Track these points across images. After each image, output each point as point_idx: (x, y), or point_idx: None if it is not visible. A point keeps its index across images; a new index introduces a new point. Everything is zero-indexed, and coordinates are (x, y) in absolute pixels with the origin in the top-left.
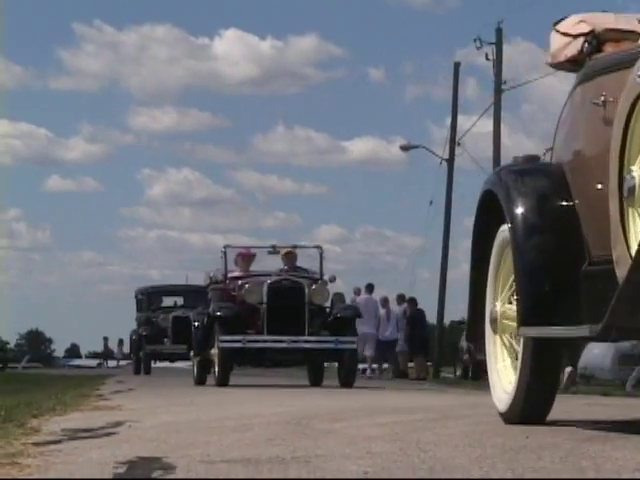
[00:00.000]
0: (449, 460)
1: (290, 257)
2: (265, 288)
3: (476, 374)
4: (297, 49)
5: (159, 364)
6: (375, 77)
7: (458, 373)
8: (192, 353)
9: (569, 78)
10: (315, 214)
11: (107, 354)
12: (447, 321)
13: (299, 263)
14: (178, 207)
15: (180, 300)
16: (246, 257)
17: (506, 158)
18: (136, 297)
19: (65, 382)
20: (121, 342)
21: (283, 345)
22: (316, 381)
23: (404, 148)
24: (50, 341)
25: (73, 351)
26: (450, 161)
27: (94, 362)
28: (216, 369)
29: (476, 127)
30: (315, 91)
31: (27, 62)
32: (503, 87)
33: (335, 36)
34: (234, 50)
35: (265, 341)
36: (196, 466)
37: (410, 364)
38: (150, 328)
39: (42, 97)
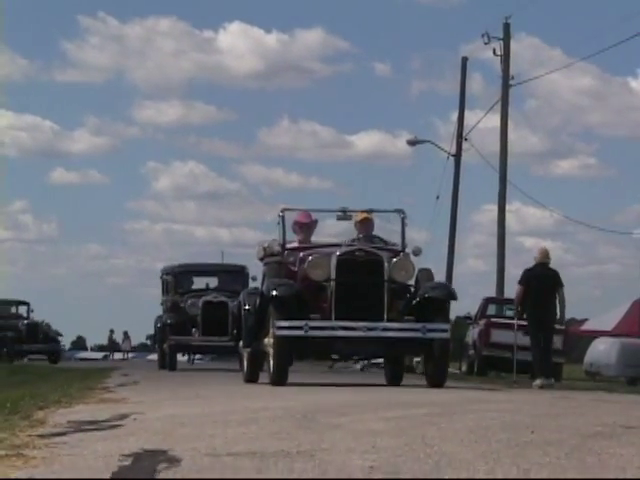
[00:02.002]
0: (454, 455)
1: (366, 224)
2: (334, 261)
3: (482, 369)
4: (303, 43)
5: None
6: (381, 71)
7: (464, 368)
8: (241, 344)
9: (574, 74)
10: (322, 206)
11: (112, 346)
12: (452, 316)
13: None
14: (184, 200)
15: (214, 282)
16: (305, 225)
17: (512, 154)
18: (162, 277)
19: (71, 375)
20: (126, 334)
21: (357, 334)
22: (395, 379)
23: (411, 143)
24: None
25: (79, 343)
26: (457, 156)
27: (100, 355)
28: (271, 363)
29: (482, 122)
30: (321, 85)
31: (32, 55)
32: (510, 82)
33: (341, 30)
34: (239, 43)
35: (333, 328)
36: (202, 459)
37: (417, 358)
38: (176, 315)
39: (47, 89)
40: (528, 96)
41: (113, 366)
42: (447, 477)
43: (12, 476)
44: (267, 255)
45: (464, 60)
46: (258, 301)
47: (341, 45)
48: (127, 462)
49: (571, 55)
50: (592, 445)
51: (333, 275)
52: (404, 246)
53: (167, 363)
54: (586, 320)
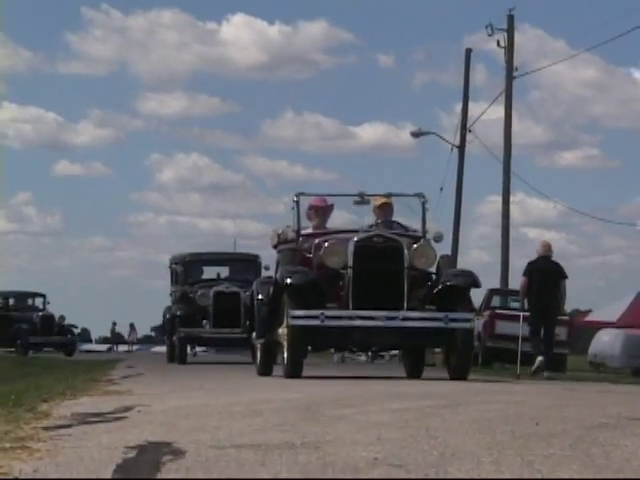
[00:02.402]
0: (459, 447)
1: (385, 209)
2: (351, 248)
3: (486, 361)
4: (306, 34)
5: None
6: (384, 63)
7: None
8: (254, 335)
9: (578, 66)
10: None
11: (116, 339)
12: None
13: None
14: (187, 192)
15: (225, 271)
16: (321, 209)
17: (516, 145)
18: (170, 267)
19: (75, 367)
20: (132, 326)
21: (375, 323)
22: (415, 371)
23: (415, 134)
24: None
25: (83, 336)
26: (461, 148)
27: (104, 347)
28: (284, 355)
29: (486, 114)
30: (325, 77)
31: (36, 47)
32: (514, 74)
33: (344, 22)
34: (242, 35)
35: (351, 318)
36: (206, 451)
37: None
38: (186, 306)
39: (51, 82)
40: (532, 87)
41: (117, 358)
42: (451, 469)
43: (17, 468)
44: (281, 242)
45: (468, 52)
46: (272, 290)
47: (344, 37)
48: (131, 454)
49: (574, 46)
50: (596, 436)
51: (350, 262)
52: (424, 232)
53: (176, 356)
54: (590, 311)
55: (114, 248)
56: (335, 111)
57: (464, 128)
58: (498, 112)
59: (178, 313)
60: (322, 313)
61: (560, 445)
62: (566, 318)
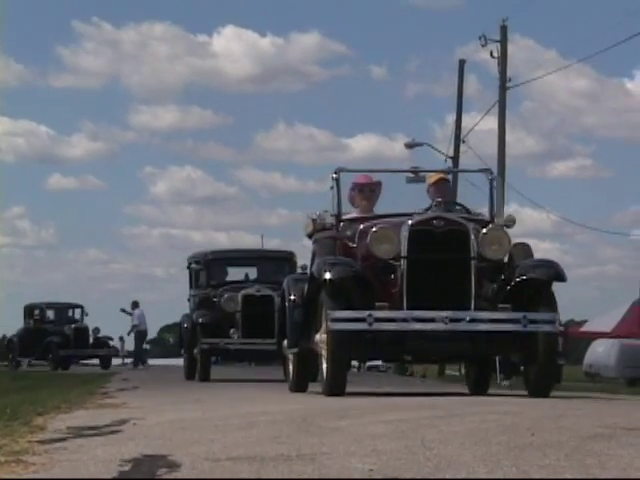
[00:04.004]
0: (454, 458)
1: (443, 187)
2: (405, 233)
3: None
4: (299, 46)
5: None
6: (377, 74)
7: (463, 371)
8: (285, 344)
9: (570, 76)
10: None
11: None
12: None
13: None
14: (181, 205)
15: (253, 272)
16: (367, 187)
17: (509, 155)
18: (189, 267)
19: (70, 380)
20: (122, 339)
21: (436, 327)
22: (479, 386)
23: (409, 146)
24: None
25: None
26: (455, 158)
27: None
28: (323, 366)
29: (479, 124)
30: (317, 88)
31: (28, 60)
32: (508, 85)
33: (337, 33)
34: (234, 47)
35: (406, 320)
36: (201, 464)
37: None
38: (210, 313)
39: (43, 95)
40: (524, 98)
41: (113, 372)
42: (447, 478)
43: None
44: (317, 230)
45: (461, 63)
46: (307, 288)
47: (337, 48)
48: (127, 467)
49: (566, 57)
50: (592, 447)
51: (404, 251)
52: (493, 215)
53: (198, 371)
54: (585, 321)
55: (108, 261)
56: (328, 123)
57: (457, 139)
58: (491, 123)
59: (200, 321)
60: (370, 314)
61: (556, 455)
62: (561, 329)
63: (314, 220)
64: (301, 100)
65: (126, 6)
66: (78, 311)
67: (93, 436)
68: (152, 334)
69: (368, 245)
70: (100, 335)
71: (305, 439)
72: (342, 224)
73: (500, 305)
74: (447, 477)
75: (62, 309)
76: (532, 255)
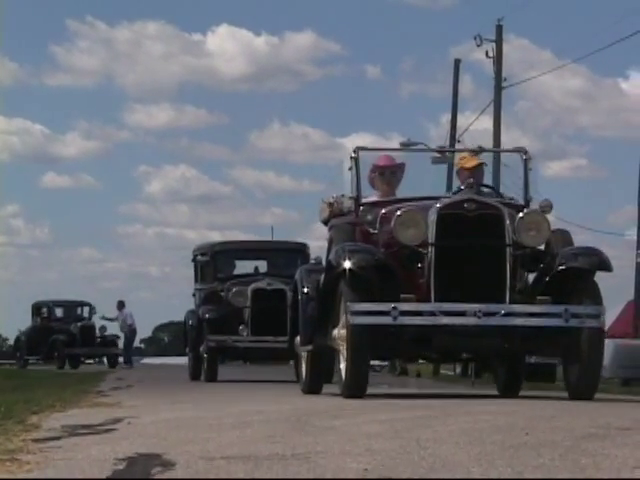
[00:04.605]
0: (449, 457)
1: (474, 168)
2: (433, 217)
3: (476, 371)
4: (293, 45)
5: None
6: (372, 74)
7: (458, 370)
8: (297, 341)
9: (565, 76)
10: (313, 211)
11: None
12: None
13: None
14: (176, 204)
15: (263, 266)
16: (388, 169)
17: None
18: (194, 260)
19: (65, 379)
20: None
21: (468, 321)
22: (511, 388)
23: (404, 145)
24: None
25: None
26: (450, 158)
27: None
28: (341, 365)
29: (473, 124)
30: (312, 88)
31: (21, 59)
32: (503, 84)
33: (332, 32)
34: (228, 46)
35: (433, 313)
36: (196, 463)
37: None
38: (217, 308)
39: (37, 93)
40: (519, 98)
41: (109, 370)
42: (442, 478)
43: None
44: (335, 215)
45: (457, 62)
46: (323, 278)
47: (332, 47)
48: (121, 466)
49: (561, 57)
50: (586, 446)
51: (432, 237)
52: (528, 199)
53: (204, 371)
54: None
55: (103, 260)
56: (322, 122)
57: (453, 139)
58: (486, 122)
59: (207, 316)
60: (394, 307)
61: (550, 455)
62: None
63: (331, 204)
64: (296, 99)
65: (120, 5)
66: (87, 309)
67: (88, 435)
68: (146, 333)
69: (392, 230)
70: (107, 333)
71: (300, 438)
72: (362, 208)
73: (539, 297)
74: (442, 476)
75: (70, 307)
76: (572, 243)
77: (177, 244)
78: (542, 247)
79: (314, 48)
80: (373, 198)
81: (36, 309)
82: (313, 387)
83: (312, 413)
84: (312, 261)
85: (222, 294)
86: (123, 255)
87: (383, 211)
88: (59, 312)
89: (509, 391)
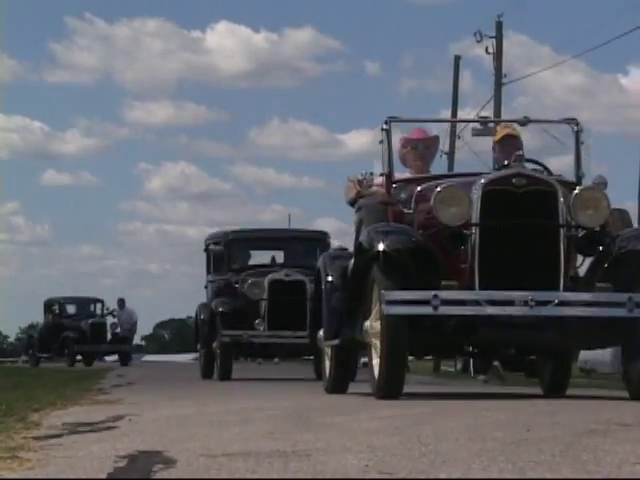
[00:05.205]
0: (450, 453)
1: (513, 142)
2: (477, 193)
3: (477, 368)
4: (293, 42)
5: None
6: (371, 70)
7: (459, 367)
8: (320, 335)
9: (564, 72)
10: (313, 207)
11: None
12: None
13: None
14: (176, 201)
15: (280, 256)
16: (421, 143)
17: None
18: (207, 249)
19: (65, 376)
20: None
21: (517, 311)
22: (556, 387)
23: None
24: None
25: None
26: (450, 154)
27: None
28: (373, 361)
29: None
30: (311, 84)
31: (21, 56)
32: (503, 81)
33: (331, 29)
34: (228, 43)
35: (478, 303)
36: (197, 460)
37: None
38: (231, 301)
39: (37, 91)
40: (519, 94)
41: (109, 367)
42: (442, 476)
43: (8, 478)
44: (363, 195)
45: (457, 59)
46: (352, 264)
47: (331, 44)
48: (122, 463)
49: (560, 53)
50: (587, 442)
51: (476, 216)
52: (580, 176)
53: (218, 369)
54: None
55: (103, 257)
56: (322, 119)
57: (453, 134)
58: None
59: (220, 310)
60: (435, 295)
61: (551, 451)
62: None
63: (360, 182)
64: (295, 96)
65: (119, 2)
66: (100, 306)
67: (88, 432)
68: (147, 330)
69: (429, 210)
70: (118, 330)
71: (300, 435)
72: (395, 186)
73: (597, 284)
74: (442, 473)
75: (83, 304)
76: (631, 224)
77: (177, 241)
78: (598, 228)
79: (313, 44)
80: (407, 175)
81: (48, 306)
82: (338, 386)
83: (313, 410)
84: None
85: (237, 286)
86: (123, 252)
87: (418, 189)
88: (71, 309)
89: (555, 390)
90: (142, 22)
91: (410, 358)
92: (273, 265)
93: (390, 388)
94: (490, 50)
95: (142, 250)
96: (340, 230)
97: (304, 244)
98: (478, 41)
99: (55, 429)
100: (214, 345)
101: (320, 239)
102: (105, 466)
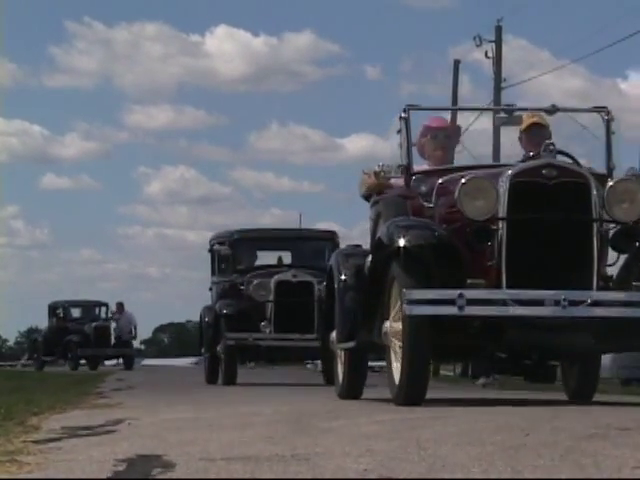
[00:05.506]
0: (449, 458)
1: (540, 131)
2: (504, 185)
3: (476, 372)
4: (292, 46)
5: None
6: (371, 74)
7: (458, 371)
8: (333, 337)
9: (564, 77)
10: (312, 212)
11: None
12: None
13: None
14: (175, 205)
15: (287, 256)
16: (441, 132)
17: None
18: (211, 250)
19: (65, 380)
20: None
21: (547, 312)
22: (583, 392)
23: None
24: None
25: None
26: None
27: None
28: (393, 365)
29: (473, 124)
30: (311, 88)
31: (20, 60)
32: (502, 85)
33: (331, 33)
34: (227, 47)
35: (505, 303)
36: (196, 464)
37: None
38: (236, 302)
39: (36, 95)
40: (518, 98)
41: (109, 371)
42: (441, 478)
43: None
44: (379, 188)
45: (456, 63)
46: (369, 261)
47: (331, 48)
48: (121, 467)
49: (559, 57)
50: (587, 447)
51: (503, 210)
52: (611, 167)
53: (222, 374)
54: None
55: (102, 261)
56: (322, 123)
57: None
58: (485, 123)
59: (224, 312)
60: (460, 294)
61: (550, 455)
62: None
63: (376, 174)
64: (295, 100)
65: (118, 6)
66: (104, 310)
67: (88, 436)
68: (147, 334)
69: (452, 203)
70: (115, 334)
71: (299, 439)
72: (414, 178)
73: (634, 283)
74: (441, 477)
75: (87, 307)
76: None
77: (177, 245)
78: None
79: (313, 48)
80: (424, 167)
81: (52, 309)
82: (352, 391)
83: (312, 414)
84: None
85: (242, 287)
86: (123, 256)
87: (440, 181)
88: (76, 312)
89: (581, 396)
90: (141, 26)
91: None
92: (280, 266)
93: (412, 394)
94: (490, 54)
95: (141, 254)
96: (340, 234)
97: (312, 244)
98: (478, 45)
99: (54, 433)
100: (218, 349)
101: (329, 239)
102: (104, 470)
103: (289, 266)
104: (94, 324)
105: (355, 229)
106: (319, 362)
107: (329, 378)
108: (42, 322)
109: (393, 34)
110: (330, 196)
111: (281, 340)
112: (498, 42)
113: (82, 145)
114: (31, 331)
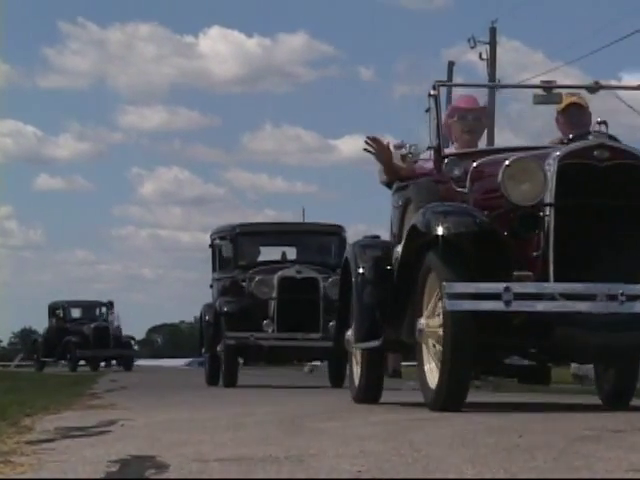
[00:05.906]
0: (442, 459)
1: (581, 110)
2: (552, 167)
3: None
4: (286, 47)
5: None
6: (365, 75)
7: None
8: (349, 336)
9: (557, 78)
10: (306, 212)
11: None
12: None
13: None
14: (169, 206)
15: (291, 252)
16: (471, 113)
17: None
18: (212, 245)
19: (58, 381)
20: None
21: (600, 308)
22: (621, 395)
23: (397, 147)
24: None
25: None
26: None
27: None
28: (425, 366)
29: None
30: (304, 89)
31: (14, 60)
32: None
33: (325, 34)
34: (221, 48)
35: (553, 298)
36: (189, 464)
37: (404, 363)
38: (237, 300)
39: (29, 95)
40: (512, 100)
41: (104, 372)
42: (436, 479)
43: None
44: (406, 172)
45: (450, 64)
46: (399, 251)
47: (325, 49)
48: (114, 468)
49: (553, 59)
50: (580, 449)
51: (551, 195)
52: None
53: (223, 374)
54: None
55: (96, 262)
56: (315, 124)
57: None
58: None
59: (225, 309)
60: (507, 288)
61: (543, 457)
62: None
63: (403, 156)
64: (288, 101)
65: (112, 6)
66: (104, 310)
67: (81, 437)
68: (140, 335)
69: (491, 188)
70: (121, 335)
71: (293, 440)
72: (446, 161)
73: None
74: (435, 478)
75: (88, 307)
76: None
77: (171, 246)
78: None
79: (307, 50)
80: (452, 149)
81: (52, 310)
82: (370, 394)
83: (305, 415)
84: None
85: (244, 284)
86: (116, 257)
87: (474, 164)
88: (76, 313)
89: (618, 400)
90: (135, 27)
91: None
92: (284, 261)
93: (453, 398)
94: (484, 56)
95: (135, 255)
96: None
97: (318, 239)
98: (472, 47)
99: (48, 434)
100: (218, 348)
101: (335, 233)
102: (98, 471)
103: (293, 262)
104: (93, 325)
105: (349, 230)
106: (318, 363)
107: (336, 380)
108: (36, 323)
109: (387, 35)
110: (323, 197)
111: (284, 340)
112: (492, 44)
113: (76, 146)
114: (25, 332)
